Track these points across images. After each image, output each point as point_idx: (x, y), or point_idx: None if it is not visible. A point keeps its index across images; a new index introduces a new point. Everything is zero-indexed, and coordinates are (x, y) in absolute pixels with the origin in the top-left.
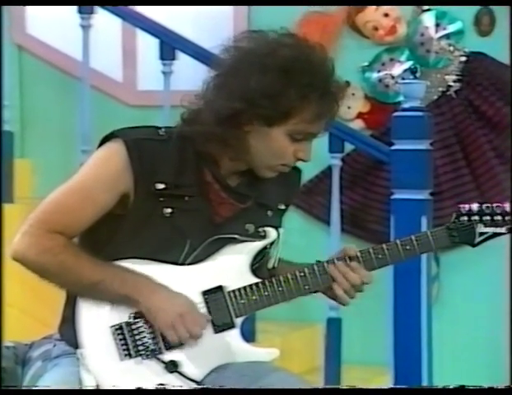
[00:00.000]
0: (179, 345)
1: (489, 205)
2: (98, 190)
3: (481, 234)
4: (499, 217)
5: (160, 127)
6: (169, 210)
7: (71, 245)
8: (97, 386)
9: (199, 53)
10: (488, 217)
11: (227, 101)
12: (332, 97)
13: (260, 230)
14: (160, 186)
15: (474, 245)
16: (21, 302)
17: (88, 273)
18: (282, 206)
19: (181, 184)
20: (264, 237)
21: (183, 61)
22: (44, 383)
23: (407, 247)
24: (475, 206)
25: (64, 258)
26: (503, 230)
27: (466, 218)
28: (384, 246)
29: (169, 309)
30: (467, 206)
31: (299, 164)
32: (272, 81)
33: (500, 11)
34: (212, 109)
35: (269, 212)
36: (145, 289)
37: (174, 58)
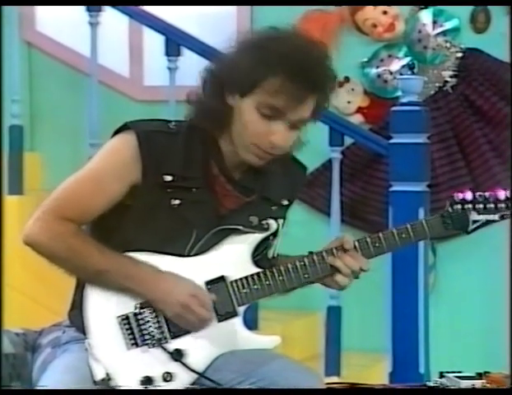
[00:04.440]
0: (186, 332)
1: (482, 193)
2: (109, 180)
3: (475, 221)
4: (492, 205)
5: (170, 121)
6: (177, 201)
7: (81, 232)
8: (106, 374)
9: (203, 50)
10: (481, 205)
11: (211, 76)
12: (303, 76)
13: (263, 222)
14: (168, 178)
15: (468, 232)
16: (32, 290)
17: (95, 261)
18: (286, 202)
19: (188, 177)
20: (267, 229)
21: (188, 57)
22: (54, 369)
23: (403, 235)
24: (468, 195)
25: (73, 244)
26: (496, 217)
27: (459, 206)
28: (381, 234)
29: (174, 300)
30: (460, 194)
31: (300, 158)
32: (244, 50)
33: (496, 9)
34: (202, 87)
35: (274, 207)
36: (149, 281)
37: (179, 55)
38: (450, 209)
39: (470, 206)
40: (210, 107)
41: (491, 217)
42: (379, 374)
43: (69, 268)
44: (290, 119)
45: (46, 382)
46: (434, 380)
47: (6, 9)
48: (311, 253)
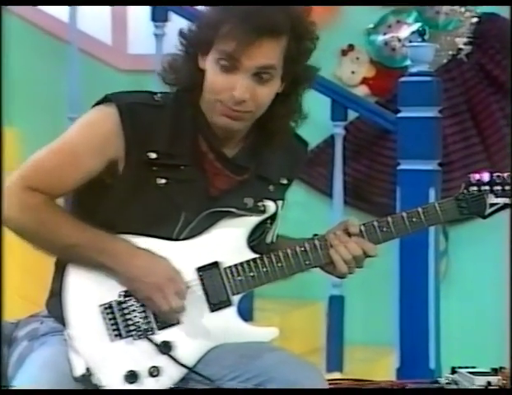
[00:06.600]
0: (170, 323)
1: (500, 174)
2: (84, 153)
3: (492, 204)
4: (510, 187)
5: (155, 93)
6: (163, 180)
7: (52, 203)
8: (87, 369)
9: (192, 14)
10: (499, 187)
11: (182, 35)
12: (252, 17)
13: (259, 204)
14: (153, 155)
15: (485, 217)
16: (8, 278)
17: (66, 234)
18: (285, 181)
19: (175, 153)
20: (264, 212)
21: (176, 23)
22: (31, 364)
23: (414, 219)
24: (485, 176)
25: (43, 216)
26: None
27: (476, 188)
28: (389, 218)
29: (147, 280)
30: (477, 175)
31: (300, 133)
32: (207, 10)
33: None
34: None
35: (271, 187)
36: (123, 256)
37: (166, 20)
38: (466, 191)
39: (487, 188)
40: (184, 74)
41: (509, 200)
42: (385, 370)
43: (39, 242)
44: (248, 67)
45: (22, 378)
46: (445, 376)
47: None
48: (316, 235)
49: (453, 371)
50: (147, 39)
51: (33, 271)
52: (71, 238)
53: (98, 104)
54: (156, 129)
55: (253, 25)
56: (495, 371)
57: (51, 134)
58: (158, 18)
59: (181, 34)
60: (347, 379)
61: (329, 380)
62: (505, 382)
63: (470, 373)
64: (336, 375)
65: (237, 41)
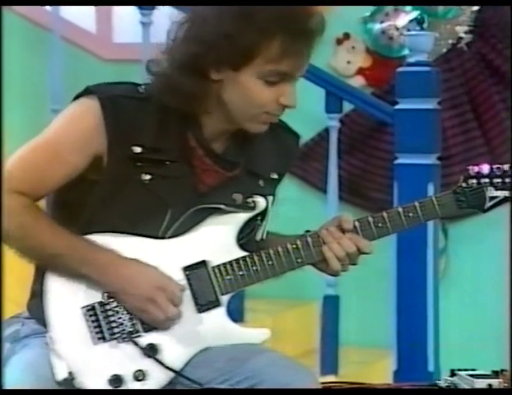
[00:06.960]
0: (158, 327)
1: (500, 166)
2: (67, 150)
3: (492, 198)
4: (511, 179)
5: (139, 84)
6: (148, 176)
7: (33, 207)
8: (69, 373)
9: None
10: (499, 179)
11: (184, 46)
12: (301, 31)
13: (249, 200)
14: (137, 149)
15: (484, 211)
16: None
17: (47, 242)
18: (275, 176)
19: (161, 148)
20: (253, 208)
21: (163, 10)
22: (13, 367)
23: (410, 214)
24: (485, 168)
25: (24, 221)
26: None
27: (475, 181)
28: (385, 214)
29: (135, 292)
30: (476, 167)
31: (293, 126)
32: (230, 19)
33: None
34: (172, 58)
35: (261, 182)
36: (108, 267)
37: (153, 8)
38: (464, 184)
39: (487, 180)
40: (187, 87)
41: (509, 193)
42: (382, 373)
43: (22, 250)
44: (298, 76)
45: (5, 381)
46: (444, 379)
47: None
48: (308, 231)
49: (453, 373)
50: (133, 28)
51: (11, 269)
52: (53, 247)
53: (79, 96)
54: (141, 122)
55: (303, 38)
56: (495, 373)
57: (33, 126)
58: (144, 6)
59: (187, 52)
60: (342, 382)
61: (323, 383)
62: (506, 385)
63: (470, 375)
64: (330, 378)
65: (293, 60)
